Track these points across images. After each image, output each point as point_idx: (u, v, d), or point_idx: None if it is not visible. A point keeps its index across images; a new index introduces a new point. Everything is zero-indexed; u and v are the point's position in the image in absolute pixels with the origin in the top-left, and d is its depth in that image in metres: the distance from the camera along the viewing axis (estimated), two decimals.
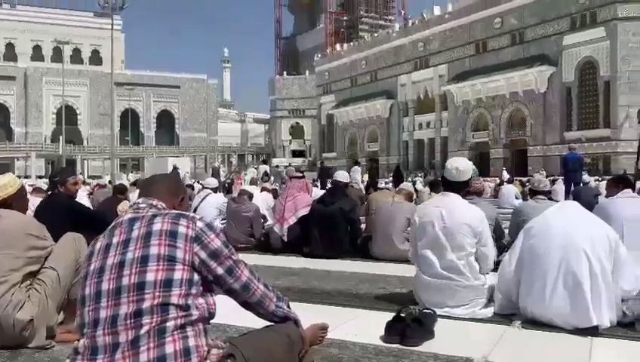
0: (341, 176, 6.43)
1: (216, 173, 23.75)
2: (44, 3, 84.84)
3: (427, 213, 3.61)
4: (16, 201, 3.07)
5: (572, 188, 14.09)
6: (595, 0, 36.79)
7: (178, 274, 1.80)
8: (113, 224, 2.00)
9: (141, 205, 2.04)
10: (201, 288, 1.86)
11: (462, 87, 45.31)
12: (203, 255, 1.86)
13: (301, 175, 7.16)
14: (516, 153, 42.68)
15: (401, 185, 7.51)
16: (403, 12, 73.89)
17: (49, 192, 5.10)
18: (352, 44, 64.64)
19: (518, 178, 24.82)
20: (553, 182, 21.16)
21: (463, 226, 3.43)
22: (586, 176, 14.83)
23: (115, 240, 1.90)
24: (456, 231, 3.43)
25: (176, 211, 2.00)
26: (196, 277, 1.84)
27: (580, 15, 37.75)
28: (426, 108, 51.55)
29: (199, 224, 1.90)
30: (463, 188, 3.67)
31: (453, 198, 3.58)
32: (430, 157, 51.06)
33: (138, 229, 1.89)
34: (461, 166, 3.65)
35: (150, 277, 1.78)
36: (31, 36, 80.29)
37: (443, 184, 3.77)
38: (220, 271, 1.89)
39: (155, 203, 2.04)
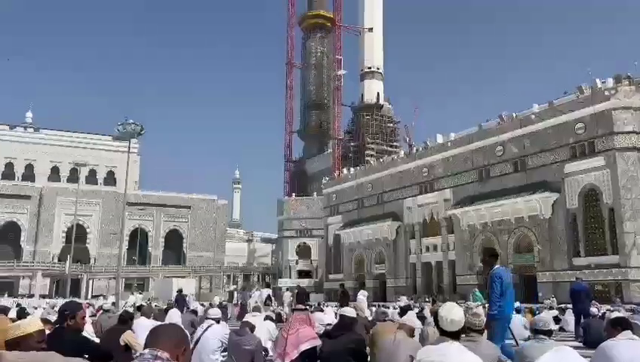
0: (348, 311, 6.46)
1: (231, 298, 23.21)
2: (66, 127, 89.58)
3: (429, 357, 3.70)
4: (24, 343, 3.22)
5: (582, 319, 13.78)
6: (592, 131, 38.30)
7: None
8: None
9: (146, 356, 2.19)
10: None
11: (467, 211, 45.91)
12: None
13: (304, 307, 7.18)
14: (525, 278, 42.05)
15: (404, 318, 7.46)
16: (408, 138, 77.00)
17: (57, 325, 5.19)
18: (358, 168, 66.66)
19: (528, 306, 24.25)
20: (564, 311, 20.75)
21: None
22: (593, 309, 14.52)
23: None
24: None
25: None
26: None
27: (578, 145, 39.12)
28: (432, 231, 51.86)
29: None
30: (458, 335, 3.87)
31: (452, 345, 3.69)
32: (438, 280, 50.43)
33: None
34: (456, 317, 3.81)
35: None
36: (50, 158, 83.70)
37: (439, 331, 3.89)
38: None
39: (159, 354, 2.20)
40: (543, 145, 41.47)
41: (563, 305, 25.30)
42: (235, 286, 43.28)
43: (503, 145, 44.64)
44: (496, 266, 6.53)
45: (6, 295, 52.22)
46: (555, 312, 20.81)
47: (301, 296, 21.07)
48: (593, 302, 16.49)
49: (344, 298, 19.82)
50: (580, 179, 38.81)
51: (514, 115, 45.02)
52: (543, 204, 40.32)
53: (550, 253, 39.71)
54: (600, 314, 15.08)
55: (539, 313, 17.32)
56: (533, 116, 42.79)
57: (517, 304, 25.52)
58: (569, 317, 16.84)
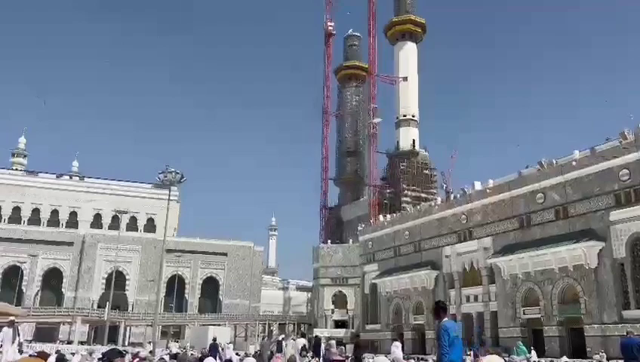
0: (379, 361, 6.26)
1: (279, 348, 22.50)
2: (109, 175, 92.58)
3: None
4: None
5: None
6: (638, 177, 37.04)
7: None
8: None
9: None
10: None
11: (508, 260, 44.51)
12: None
13: (341, 359, 6.96)
14: (572, 331, 40.14)
15: None
16: (445, 185, 76.21)
17: None
18: (395, 215, 65.99)
19: (576, 361, 23.11)
20: None
21: None
22: None
23: None
24: None
25: None
26: None
27: (624, 192, 37.80)
28: (472, 280, 50.39)
29: None
30: None
31: None
32: (480, 332, 48.58)
33: None
34: None
35: None
36: (93, 205, 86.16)
37: None
38: None
39: None
40: (585, 192, 40.27)
41: (614, 361, 24.00)
42: (282, 335, 42.62)
43: (544, 192, 43.56)
44: (445, 319, 6.73)
45: (58, 341, 52.92)
46: None
47: (317, 346, 20.78)
48: None
49: (358, 350, 18.94)
50: (626, 227, 37.27)
51: (554, 161, 44.11)
52: (588, 253, 38.77)
53: (598, 305, 37.88)
54: None
55: None
56: (574, 163, 41.76)
57: (564, 359, 24.36)
58: None
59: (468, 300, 50.68)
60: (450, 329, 6.60)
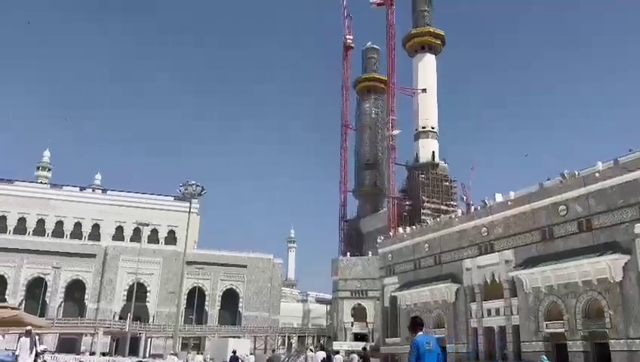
0: None
1: None
2: (131, 188, 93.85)
3: None
4: None
5: None
6: None
7: None
8: None
9: None
10: None
11: (530, 273, 43.87)
12: None
13: None
14: (597, 346, 39.32)
15: None
16: (465, 197, 75.68)
17: None
18: (414, 227, 65.58)
19: None
20: None
21: None
22: None
23: None
24: None
25: None
26: None
27: None
28: (494, 293, 49.73)
29: None
30: None
31: None
32: (502, 346, 47.88)
33: None
34: None
35: None
36: (115, 218, 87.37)
37: None
38: None
39: None
40: (609, 204, 39.58)
41: None
42: (313, 347, 42.61)
43: (567, 204, 42.94)
44: (419, 333, 6.77)
45: (87, 353, 53.46)
46: None
47: (329, 360, 20.91)
48: None
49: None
50: None
51: (576, 172, 43.53)
52: (612, 266, 38.02)
53: (624, 319, 37.08)
54: None
55: None
56: (597, 174, 41.13)
57: None
58: None
59: (489, 314, 50.00)
60: (419, 343, 6.65)
